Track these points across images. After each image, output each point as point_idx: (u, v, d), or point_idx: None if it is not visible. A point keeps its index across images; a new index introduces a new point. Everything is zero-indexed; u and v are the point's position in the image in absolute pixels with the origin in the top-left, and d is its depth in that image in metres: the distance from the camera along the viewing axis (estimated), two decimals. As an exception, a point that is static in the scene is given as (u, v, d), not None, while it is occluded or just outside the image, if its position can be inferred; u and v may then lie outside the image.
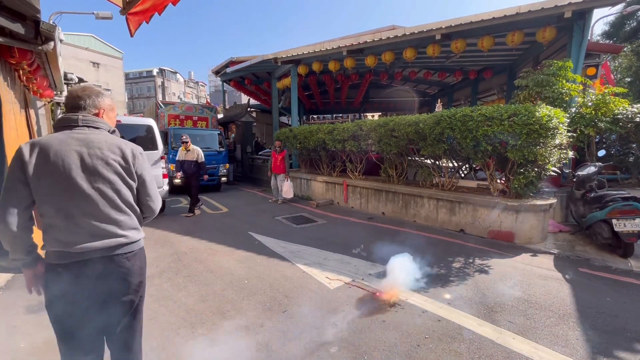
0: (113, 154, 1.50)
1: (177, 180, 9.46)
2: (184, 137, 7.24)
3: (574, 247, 4.63)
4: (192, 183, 7.08)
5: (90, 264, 1.46)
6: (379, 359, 2.27)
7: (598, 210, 4.35)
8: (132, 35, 2.75)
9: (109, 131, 1.62)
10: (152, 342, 2.48)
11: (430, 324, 2.68)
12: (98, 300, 1.48)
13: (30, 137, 5.84)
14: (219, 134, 11.07)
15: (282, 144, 8.79)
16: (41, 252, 1.49)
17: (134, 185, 1.59)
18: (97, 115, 1.61)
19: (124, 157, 1.53)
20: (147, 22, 2.76)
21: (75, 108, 1.56)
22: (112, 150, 1.51)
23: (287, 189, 8.15)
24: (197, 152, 7.16)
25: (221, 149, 10.68)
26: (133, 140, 6.87)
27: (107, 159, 1.48)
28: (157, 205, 1.73)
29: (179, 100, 42.57)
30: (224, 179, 10.59)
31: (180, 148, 7.40)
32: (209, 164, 10.26)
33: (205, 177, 7.45)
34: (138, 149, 1.63)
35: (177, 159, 7.39)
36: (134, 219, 1.63)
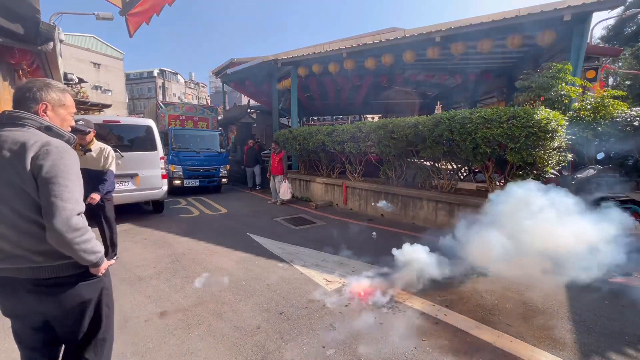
0: (12, 155, 1.22)
1: (178, 182, 9.40)
2: (81, 121, 3.84)
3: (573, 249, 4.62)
4: (104, 208, 4.02)
5: (6, 284, 1.30)
6: (375, 362, 2.26)
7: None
8: (131, 36, 2.77)
9: (39, 128, 1.33)
10: (148, 344, 2.47)
11: (428, 327, 2.67)
12: (30, 322, 1.38)
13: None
14: (219, 135, 10.96)
15: (280, 145, 8.79)
16: None
17: (32, 191, 1.23)
18: (40, 111, 1.37)
19: (21, 157, 1.21)
20: (147, 23, 2.78)
21: (18, 102, 1.36)
22: (13, 149, 1.22)
23: (284, 190, 8.15)
24: (106, 155, 3.99)
25: (222, 150, 10.55)
26: (131, 141, 6.82)
27: (4, 161, 1.22)
28: (56, 221, 1.20)
29: (179, 101, 42.69)
30: (224, 180, 10.46)
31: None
32: (210, 165, 10.18)
33: (96, 196, 3.75)
34: (50, 144, 1.27)
35: None
36: (44, 239, 1.27)
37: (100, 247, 1.39)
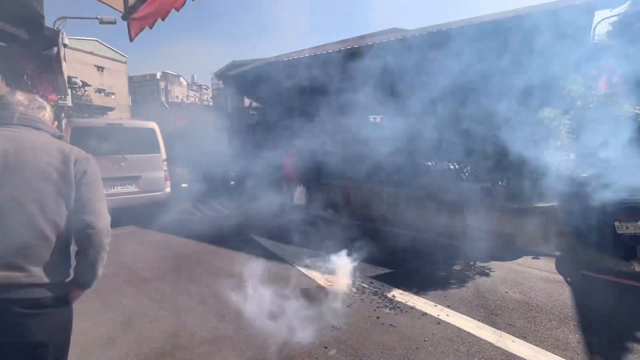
0: (49, 156, 1.17)
1: (184, 185, 9.23)
2: None
3: (576, 249, 4.60)
4: None
5: None
6: (377, 362, 2.27)
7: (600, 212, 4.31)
8: (131, 40, 2.76)
9: (54, 136, 1.32)
10: (151, 344, 2.49)
11: (430, 327, 2.68)
12: None
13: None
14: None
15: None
16: None
17: (71, 196, 1.19)
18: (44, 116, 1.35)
19: (64, 161, 1.19)
20: (151, 28, 2.77)
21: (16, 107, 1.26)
22: (49, 152, 1.18)
23: (298, 195, 8.00)
24: None
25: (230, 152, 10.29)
26: (135, 143, 6.87)
27: (38, 161, 1.14)
28: (99, 222, 1.21)
29: (183, 102, 42.82)
30: (232, 183, 10.24)
31: None
32: (218, 168, 9.98)
33: None
34: (83, 152, 1.29)
35: None
36: (57, 250, 1.17)
37: None
